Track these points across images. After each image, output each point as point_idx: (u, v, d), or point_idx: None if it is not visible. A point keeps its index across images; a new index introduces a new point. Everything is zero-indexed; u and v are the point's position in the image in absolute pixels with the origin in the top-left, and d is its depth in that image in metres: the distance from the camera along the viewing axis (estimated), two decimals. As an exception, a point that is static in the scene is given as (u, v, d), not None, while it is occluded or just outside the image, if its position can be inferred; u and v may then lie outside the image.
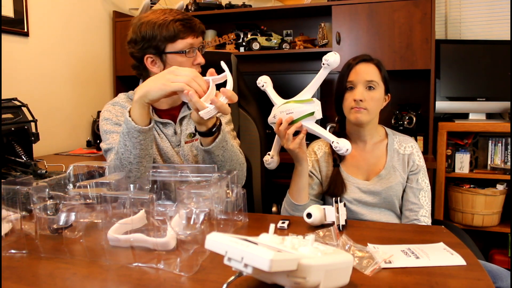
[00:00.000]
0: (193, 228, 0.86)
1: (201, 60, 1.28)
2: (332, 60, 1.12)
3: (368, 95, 1.30)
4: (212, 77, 1.05)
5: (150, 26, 1.22)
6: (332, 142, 1.13)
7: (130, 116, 1.07)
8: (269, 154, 1.26)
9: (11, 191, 0.84)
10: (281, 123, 1.18)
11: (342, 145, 1.11)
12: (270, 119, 1.23)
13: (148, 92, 1.03)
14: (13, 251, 0.84)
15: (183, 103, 1.39)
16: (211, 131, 1.12)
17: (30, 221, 0.88)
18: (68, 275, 0.74)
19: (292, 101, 1.18)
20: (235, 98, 1.04)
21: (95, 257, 0.80)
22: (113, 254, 0.81)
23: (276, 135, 1.23)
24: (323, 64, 1.14)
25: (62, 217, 0.84)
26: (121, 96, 1.38)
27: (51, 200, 0.85)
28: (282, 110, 1.19)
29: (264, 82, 1.26)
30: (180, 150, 1.34)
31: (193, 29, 1.26)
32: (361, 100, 1.29)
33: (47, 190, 0.85)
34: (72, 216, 0.83)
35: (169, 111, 1.37)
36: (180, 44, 1.24)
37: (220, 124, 1.15)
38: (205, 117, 1.02)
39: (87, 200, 0.83)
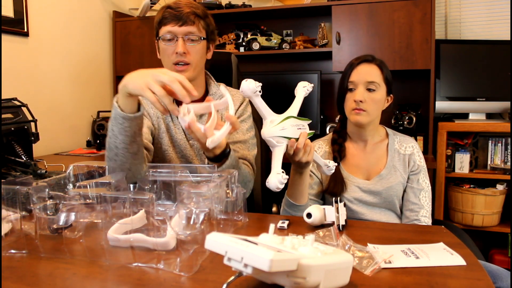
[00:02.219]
0: (193, 228, 0.86)
1: (179, 49, 1.24)
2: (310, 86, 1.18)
3: (368, 97, 1.30)
4: (214, 102, 1.02)
5: None
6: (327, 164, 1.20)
7: (117, 101, 1.04)
8: (286, 176, 1.03)
9: (11, 191, 0.84)
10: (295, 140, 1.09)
11: (333, 165, 1.19)
12: (277, 131, 1.06)
13: (127, 84, 0.99)
14: (13, 251, 0.84)
15: (204, 97, 1.36)
16: (218, 158, 1.11)
17: (30, 221, 0.88)
18: (68, 275, 0.74)
19: (296, 118, 1.12)
20: (237, 125, 1.02)
21: (95, 257, 0.80)
22: (113, 254, 0.80)
23: (276, 151, 1.08)
24: (308, 90, 1.17)
25: (62, 217, 0.84)
26: None
27: (51, 200, 0.85)
28: (292, 124, 1.09)
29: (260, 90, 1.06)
30: (194, 143, 1.33)
31: (176, 17, 1.25)
32: (361, 101, 1.29)
33: (47, 190, 0.85)
34: (72, 216, 0.83)
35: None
36: (163, 30, 1.27)
37: (229, 151, 1.13)
38: (211, 146, 0.97)
39: (87, 200, 0.83)
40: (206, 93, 1.40)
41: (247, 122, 1.41)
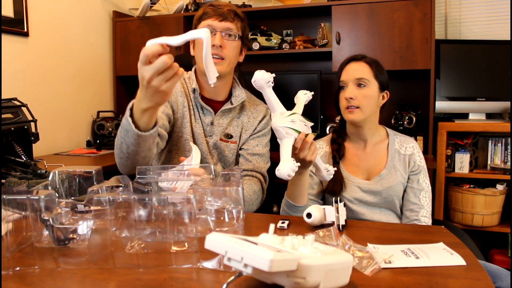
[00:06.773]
0: (231, 225, 0.86)
1: (217, 42, 1.28)
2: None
3: (359, 93, 1.32)
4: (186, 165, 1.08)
5: None
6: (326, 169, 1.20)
7: (132, 115, 1.00)
8: (297, 164, 1.03)
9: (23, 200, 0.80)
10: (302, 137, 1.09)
11: (333, 170, 1.20)
12: (287, 122, 1.07)
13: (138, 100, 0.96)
14: (19, 268, 0.77)
15: (228, 99, 1.41)
16: None
17: (38, 231, 0.81)
18: (68, 275, 0.74)
19: (302, 116, 1.12)
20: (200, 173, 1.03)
21: (126, 263, 0.78)
22: (147, 258, 0.80)
23: (285, 142, 1.07)
24: (309, 98, 1.20)
25: (76, 226, 0.79)
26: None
27: (61, 208, 0.80)
28: (300, 119, 1.10)
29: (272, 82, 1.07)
30: (210, 141, 1.37)
31: (216, 13, 1.30)
32: (351, 98, 1.30)
33: (56, 199, 0.80)
34: (84, 224, 0.78)
35: (212, 102, 1.38)
36: (202, 24, 1.31)
37: None
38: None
39: (100, 205, 0.78)
40: (230, 95, 1.43)
41: (267, 137, 1.45)
